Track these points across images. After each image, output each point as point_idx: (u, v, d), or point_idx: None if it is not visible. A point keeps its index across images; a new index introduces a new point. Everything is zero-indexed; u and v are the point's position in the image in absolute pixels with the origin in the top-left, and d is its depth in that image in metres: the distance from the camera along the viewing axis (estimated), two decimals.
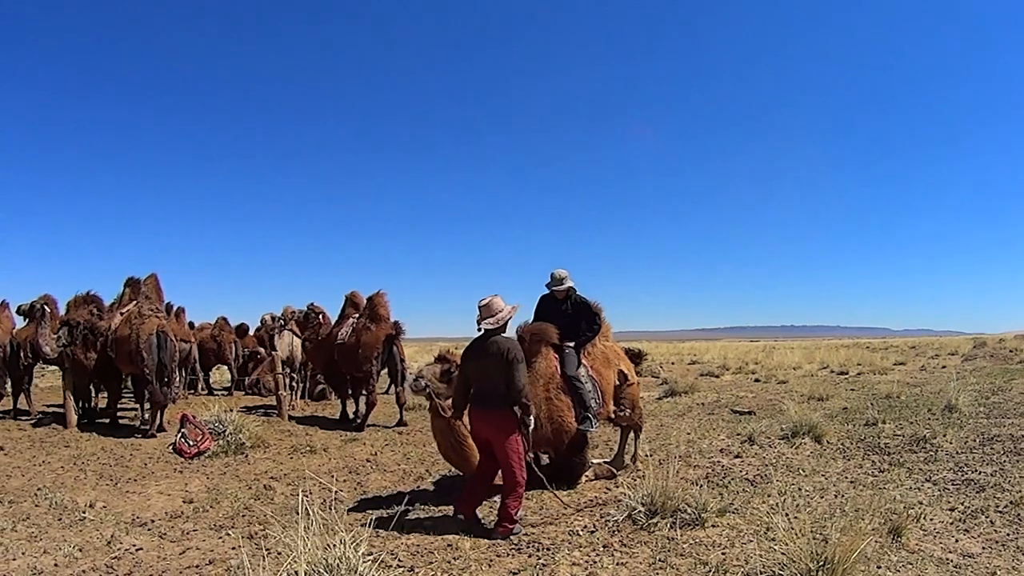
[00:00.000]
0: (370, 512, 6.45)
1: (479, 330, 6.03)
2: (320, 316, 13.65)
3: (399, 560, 5.01)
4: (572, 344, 7.40)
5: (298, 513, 4.56)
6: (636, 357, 8.77)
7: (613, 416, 7.77)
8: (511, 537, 5.65)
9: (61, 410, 11.84)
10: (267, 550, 5.11)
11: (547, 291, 7.73)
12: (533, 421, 6.06)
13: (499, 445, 5.82)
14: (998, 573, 4.70)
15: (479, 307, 6.00)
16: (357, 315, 12.70)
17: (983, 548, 5.13)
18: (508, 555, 5.27)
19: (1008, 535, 5.36)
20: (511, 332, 6.43)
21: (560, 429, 7.03)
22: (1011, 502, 6.10)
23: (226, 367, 18.30)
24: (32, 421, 11.88)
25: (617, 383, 7.82)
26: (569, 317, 7.52)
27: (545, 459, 7.73)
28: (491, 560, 5.19)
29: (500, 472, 6.01)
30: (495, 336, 5.96)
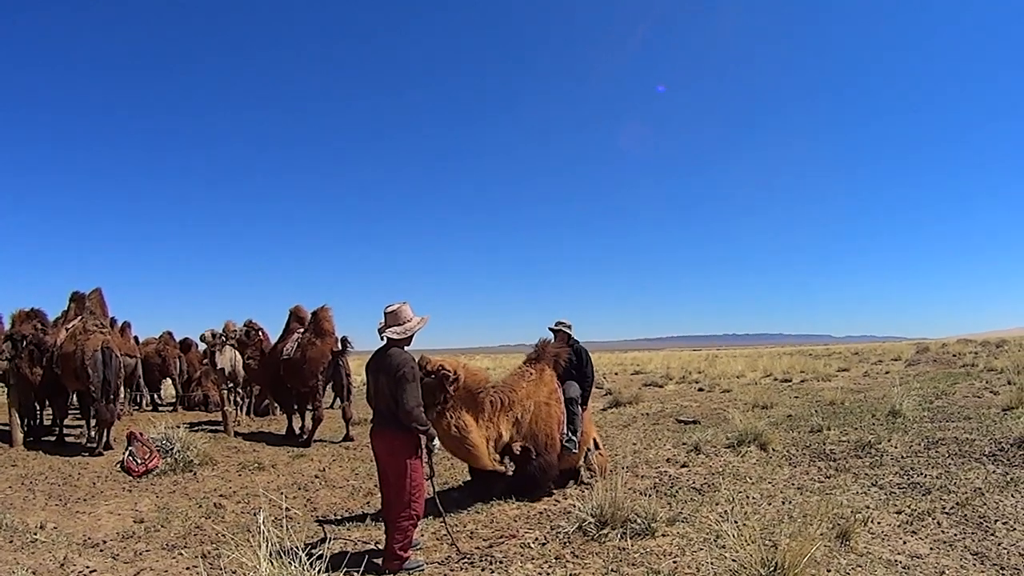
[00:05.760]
0: (322, 528, 6.43)
1: (381, 339, 5.54)
2: (259, 332, 13.47)
3: None
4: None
5: (251, 531, 4.53)
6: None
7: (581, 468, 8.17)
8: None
9: (6, 428, 11.54)
10: (222, 569, 5.06)
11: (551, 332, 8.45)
12: (438, 445, 5.76)
13: (390, 469, 5.39)
14: (946, 572, 4.90)
15: (385, 313, 5.53)
16: (302, 330, 12.60)
17: (931, 549, 5.33)
18: (462, 569, 5.30)
19: (955, 535, 5.59)
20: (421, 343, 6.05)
21: (548, 434, 7.42)
22: (957, 503, 6.35)
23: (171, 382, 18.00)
24: None
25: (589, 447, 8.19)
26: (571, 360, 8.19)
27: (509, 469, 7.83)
28: (445, 575, 5.22)
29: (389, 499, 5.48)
30: (393, 349, 5.48)
